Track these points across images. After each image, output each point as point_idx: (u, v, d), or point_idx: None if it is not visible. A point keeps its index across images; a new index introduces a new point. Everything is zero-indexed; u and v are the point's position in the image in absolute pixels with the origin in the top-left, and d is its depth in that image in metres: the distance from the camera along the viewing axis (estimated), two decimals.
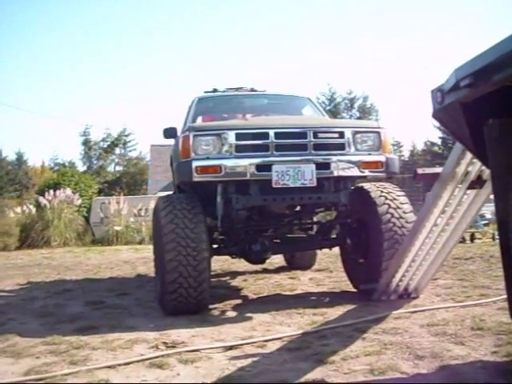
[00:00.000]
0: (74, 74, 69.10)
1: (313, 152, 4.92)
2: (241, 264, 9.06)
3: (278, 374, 3.01)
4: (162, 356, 3.49)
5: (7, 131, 68.70)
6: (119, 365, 3.35)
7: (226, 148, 4.86)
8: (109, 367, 3.31)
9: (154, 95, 73.63)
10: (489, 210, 12.63)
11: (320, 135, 4.98)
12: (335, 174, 4.93)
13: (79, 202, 18.60)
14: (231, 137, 4.86)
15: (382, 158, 5.09)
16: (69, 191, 18.30)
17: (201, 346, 3.70)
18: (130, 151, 45.65)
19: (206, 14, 67.64)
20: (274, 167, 4.80)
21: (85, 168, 42.41)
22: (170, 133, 6.31)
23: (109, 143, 43.84)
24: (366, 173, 5.09)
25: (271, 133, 4.88)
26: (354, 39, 67.27)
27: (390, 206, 5.20)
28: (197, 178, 4.80)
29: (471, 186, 3.95)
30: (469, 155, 3.64)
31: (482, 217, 13.28)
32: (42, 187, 22.36)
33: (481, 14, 60.20)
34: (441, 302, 4.75)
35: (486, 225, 13.51)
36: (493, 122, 2.19)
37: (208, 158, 4.84)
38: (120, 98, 73.43)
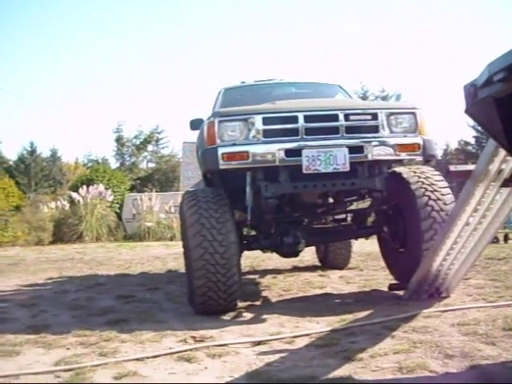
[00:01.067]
0: (107, 71, 69.79)
1: (345, 135, 4.67)
2: (271, 261, 9.10)
3: (305, 370, 3.00)
4: (191, 350, 3.51)
5: (42, 128, 69.87)
6: (147, 357, 3.37)
7: (253, 133, 4.65)
8: (137, 360, 3.34)
9: (187, 93, 74.00)
10: None
11: (352, 117, 4.73)
12: (369, 157, 4.67)
13: (111, 197, 18.84)
14: (258, 121, 4.65)
15: (418, 140, 4.81)
16: (101, 187, 18.59)
17: (229, 341, 3.71)
18: (163, 148, 45.98)
19: (236, 7, 67.80)
20: (305, 152, 4.54)
21: (117, 164, 42.87)
22: (197, 124, 6.11)
23: (141, 140, 44.22)
24: (402, 156, 4.84)
25: (300, 116, 4.65)
26: (387, 35, 66.61)
27: (430, 198, 4.93)
28: (223, 165, 4.60)
29: (505, 184, 3.86)
30: (502, 152, 3.58)
31: None
32: (76, 183, 22.74)
33: None
34: (472, 301, 4.68)
35: None
36: None
37: (234, 145, 4.63)
38: (153, 96, 73.93)
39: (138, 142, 44.29)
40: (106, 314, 4.84)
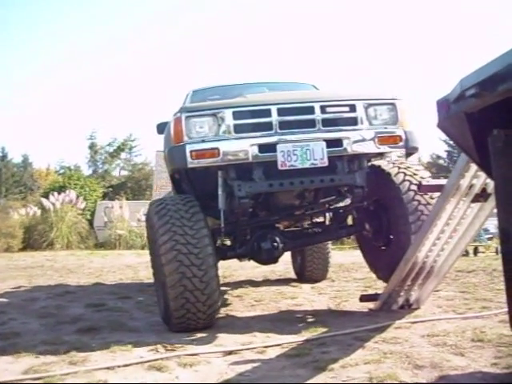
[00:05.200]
0: (82, 79, 69.32)
1: (322, 128, 4.43)
2: (243, 271, 9.09)
3: (276, 380, 3.00)
4: (161, 359, 3.48)
5: (14, 133, 69.06)
6: (118, 366, 3.34)
7: (223, 129, 4.38)
8: (108, 368, 3.30)
9: (161, 102, 73.81)
10: (492, 224, 12.61)
11: (329, 109, 4.49)
12: (349, 150, 4.43)
13: (83, 205, 18.68)
14: (228, 116, 4.39)
15: (400, 132, 4.59)
16: (73, 194, 18.39)
17: (200, 351, 3.69)
18: (136, 156, 45.80)
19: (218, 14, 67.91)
20: (279, 147, 4.30)
21: (90, 172, 42.54)
22: (164, 128, 5.60)
23: (115, 148, 43.96)
24: (383, 149, 4.61)
25: (273, 109, 4.41)
26: (356, 44, 67.35)
27: (411, 183, 4.71)
28: (192, 164, 4.33)
29: (475, 199, 3.93)
30: (473, 167, 3.65)
31: (486, 231, 13.27)
32: (48, 190, 22.50)
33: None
34: (442, 313, 4.72)
35: (489, 239, 13.51)
36: (497, 132, 2.19)
37: (204, 141, 4.36)
38: (127, 104, 73.59)
39: (111, 150, 44.01)
40: (76, 323, 4.79)
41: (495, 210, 2.62)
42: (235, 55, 72.43)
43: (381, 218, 5.11)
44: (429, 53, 68.41)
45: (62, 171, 42.54)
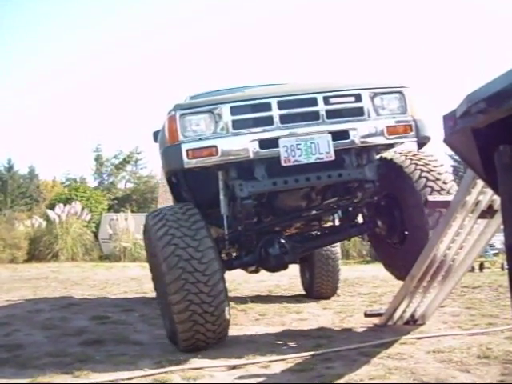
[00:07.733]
0: (89, 91, 69.62)
1: (326, 120, 4.22)
2: (248, 285, 9.07)
3: None
4: (165, 372, 3.48)
5: (21, 145, 69.28)
6: (122, 379, 3.34)
7: (221, 126, 4.16)
8: (112, 382, 3.30)
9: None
10: (498, 240, 12.53)
11: (332, 100, 4.29)
12: (357, 143, 4.20)
13: (88, 217, 18.70)
14: (226, 112, 4.16)
15: (409, 121, 4.36)
16: (78, 206, 18.42)
17: (204, 364, 3.68)
18: (141, 169, 45.81)
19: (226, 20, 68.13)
20: (282, 141, 4.08)
21: (96, 184, 42.61)
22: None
23: (120, 160, 44.05)
24: (393, 139, 4.37)
25: (273, 102, 4.19)
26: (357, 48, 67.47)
27: (428, 179, 4.49)
28: (189, 164, 4.09)
29: (482, 216, 3.92)
30: (480, 184, 3.64)
31: (492, 246, 13.18)
32: (54, 201, 22.53)
33: None
34: (447, 329, 4.70)
35: (495, 254, 13.41)
36: (504, 148, 2.19)
37: (200, 140, 4.14)
38: (133, 117, 73.80)
39: (117, 162, 44.10)
40: (81, 335, 4.78)
41: (502, 226, 2.62)
42: (237, 57, 72.69)
43: (394, 214, 4.88)
44: (433, 60, 68.42)
45: (67, 183, 42.61)
